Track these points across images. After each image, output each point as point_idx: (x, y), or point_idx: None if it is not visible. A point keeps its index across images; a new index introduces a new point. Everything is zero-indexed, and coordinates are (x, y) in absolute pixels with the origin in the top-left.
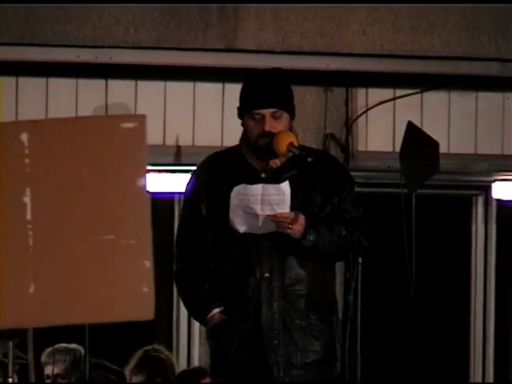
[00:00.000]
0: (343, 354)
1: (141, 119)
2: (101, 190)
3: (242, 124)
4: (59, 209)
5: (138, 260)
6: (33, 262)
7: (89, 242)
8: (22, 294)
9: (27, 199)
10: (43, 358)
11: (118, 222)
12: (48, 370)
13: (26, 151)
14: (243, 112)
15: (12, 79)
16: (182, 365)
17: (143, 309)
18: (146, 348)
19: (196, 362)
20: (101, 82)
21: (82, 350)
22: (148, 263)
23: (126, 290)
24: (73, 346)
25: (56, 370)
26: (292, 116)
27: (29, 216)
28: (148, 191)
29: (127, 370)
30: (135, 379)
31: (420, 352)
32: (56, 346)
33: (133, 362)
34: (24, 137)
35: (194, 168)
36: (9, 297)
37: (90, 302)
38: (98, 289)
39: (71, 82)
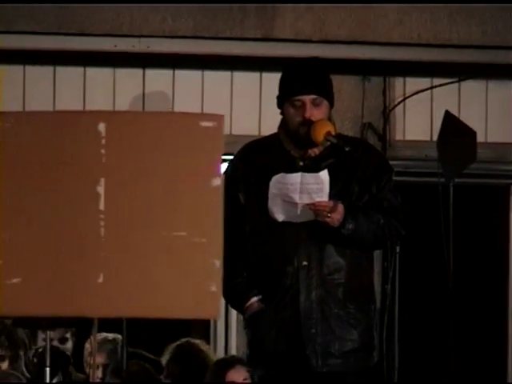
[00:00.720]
0: (381, 343)
1: (219, 119)
2: (175, 185)
3: (281, 112)
4: (133, 201)
5: (207, 259)
6: (103, 253)
7: (160, 237)
8: (91, 284)
9: (101, 189)
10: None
11: (190, 220)
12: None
13: (103, 141)
14: (283, 100)
15: (50, 68)
16: (219, 354)
17: (209, 308)
18: (180, 342)
19: (234, 351)
20: (138, 72)
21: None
22: (218, 263)
23: (194, 287)
24: (112, 335)
25: (99, 360)
26: (331, 104)
27: (102, 206)
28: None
29: (164, 360)
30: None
31: (457, 342)
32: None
33: (167, 354)
34: (102, 127)
35: (232, 157)
36: (78, 285)
37: (158, 297)
38: (167, 284)
39: (109, 71)
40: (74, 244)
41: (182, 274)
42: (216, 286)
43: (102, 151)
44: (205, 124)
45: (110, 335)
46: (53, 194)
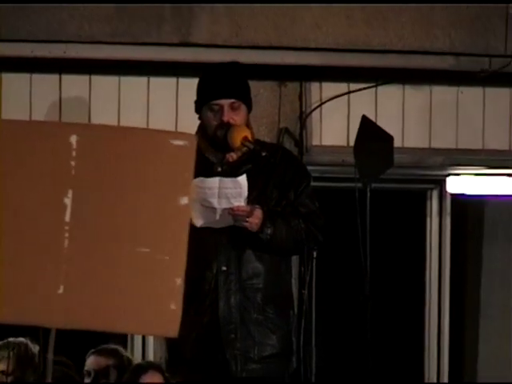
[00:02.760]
0: (298, 348)
1: (191, 138)
2: (143, 202)
3: (199, 117)
4: (99, 214)
5: (169, 276)
6: (65, 264)
7: (124, 252)
8: (51, 294)
9: (68, 201)
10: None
11: (155, 237)
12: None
13: (74, 153)
14: (201, 104)
15: None
16: (137, 359)
17: (168, 325)
18: (100, 348)
19: (151, 357)
20: (55, 77)
21: (29, 344)
22: (179, 281)
23: (155, 304)
24: (19, 339)
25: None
26: (249, 109)
27: (67, 218)
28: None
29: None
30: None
31: (374, 347)
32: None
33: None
34: (73, 139)
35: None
36: (38, 295)
37: (117, 311)
38: (127, 299)
39: (25, 76)
40: (37, 253)
41: (143, 290)
42: (175, 305)
43: (72, 163)
44: (177, 143)
45: (17, 340)
46: (21, 203)
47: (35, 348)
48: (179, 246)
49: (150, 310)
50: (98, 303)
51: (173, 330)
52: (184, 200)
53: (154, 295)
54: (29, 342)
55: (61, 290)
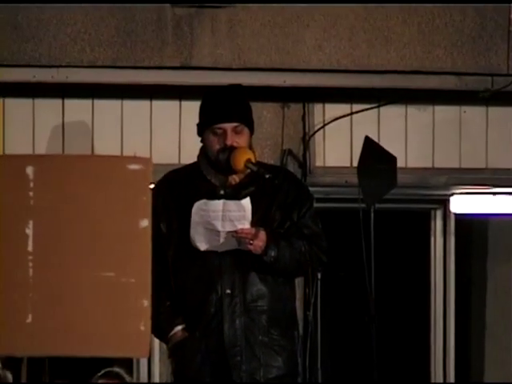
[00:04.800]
0: (304, 369)
1: (146, 162)
2: (103, 227)
3: (202, 140)
4: (61, 242)
5: (136, 299)
6: (32, 293)
7: (89, 278)
8: (19, 324)
9: (29, 231)
10: None
11: (119, 260)
12: None
13: (31, 184)
14: (204, 128)
15: None
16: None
17: (139, 347)
18: (104, 372)
19: (156, 380)
20: (57, 102)
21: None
22: (146, 302)
23: (123, 327)
24: None
25: None
26: (252, 131)
27: (30, 248)
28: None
29: None
30: None
31: (380, 367)
32: None
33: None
34: (29, 170)
35: (152, 186)
36: (6, 325)
37: (87, 336)
38: (96, 323)
39: (28, 102)
40: (2, 284)
41: (111, 314)
42: (144, 325)
43: (30, 193)
44: (132, 167)
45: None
46: None
47: (8, 376)
48: (143, 268)
49: (119, 332)
50: (67, 329)
51: (143, 350)
52: (144, 222)
53: (123, 318)
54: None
55: (29, 319)
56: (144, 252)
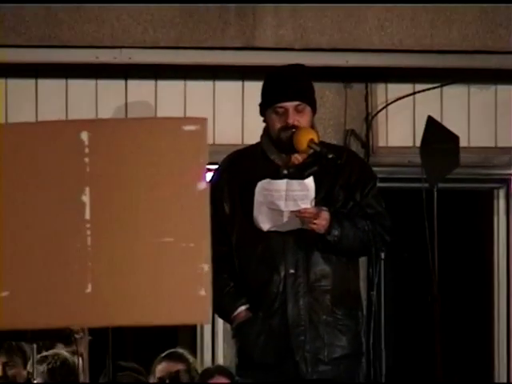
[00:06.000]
0: (368, 349)
1: (202, 122)
2: (161, 191)
3: (264, 120)
4: (118, 209)
5: (196, 263)
6: (91, 262)
7: (148, 244)
8: (80, 294)
9: (86, 198)
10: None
11: (177, 225)
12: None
13: (86, 150)
14: (266, 107)
15: (31, 81)
16: (207, 363)
17: (200, 312)
18: (167, 353)
19: (221, 361)
20: (120, 83)
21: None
22: (206, 267)
23: (184, 293)
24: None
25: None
26: (314, 111)
27: (87, 215)
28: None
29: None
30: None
31: (443, 347)
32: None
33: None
34: (84, 135)
35: (216, 166)
36: (66, 296)
37: (147, 304)
38: (156, 291)
39: (91, 83)
40: (60, 254)
41: (171, 280)
42: (205, 290)
43: (86, 160)
44: (188, 128)
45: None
46: (37, 205)
47: (72, 358)
48: (203, 232)
49: (180, 299)
50: (127, 298)
51: (204, 316)
52: (202, 185)
53: (183, 284)
54: (66, 354)
55: (89, 289)
56: (202, 215)
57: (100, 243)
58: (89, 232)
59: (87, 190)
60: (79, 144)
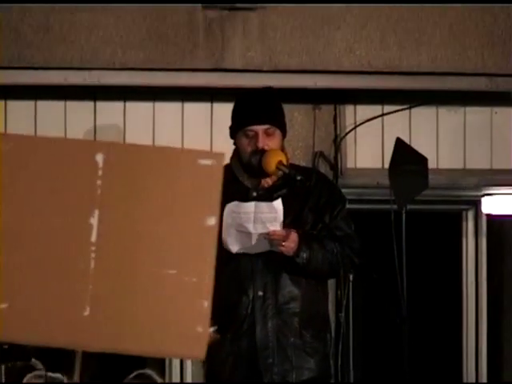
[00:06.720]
0: (336, 371)
1: (219, 157)
2: (169, 222)
3: (234, 143)
4: (125, 235)
5: (196, 299)
6: (92, 285)
7: (150, 273)
8: (77, 316)
9: (94, 221)
10: None
11: (182, 258)
12: None
13: (100, 172)
14: (236, 130)
15: (1, 103)
16: None
17: (195, 348)
18: (136, 374)
19: (189, 381)
20: (89, 104)
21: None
22: (206, 303)
23: (181, 327)
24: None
25: None
26: (284, 134)
27: (94, 238)
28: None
29: None
30: None
31: (412, 370)
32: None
33: None
34: (99, 157)
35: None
36: (64, 316)
37: (143, 334)
38: (154, 321)
39: (60, 104)
40: (63, 273)
41: (170, 313)
42: (203, 327)
43: (98, 182)
44: (204, 162)
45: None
46: (45, 222)
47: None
48: (207, 268)
49: (176, 332)
50: (125, 325)
51: (200, 352)
52: (211, 220)
53: (181, 318)
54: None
55: (87, 312)
56: (209, 251)
57: (103, 267)
58: (93, 255)
59: (96, 212)
60: (93, 165)
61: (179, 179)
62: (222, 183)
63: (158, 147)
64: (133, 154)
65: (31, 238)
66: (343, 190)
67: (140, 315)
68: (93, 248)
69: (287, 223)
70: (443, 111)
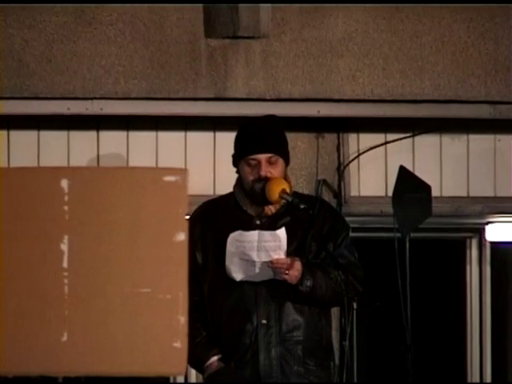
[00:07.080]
0: None
1: (183, 173)
2: (139, 241)
3: (237, 171)
4: (96, 258)
5: (173, 315)
6: (67, 311)
7: (124, 294)
8: (55, 342)
9: (65, 247)
10: None
11: (155, 276)
12: None
13: (66, 198)
14: (238, 158)
15: (3, 133)
16: None
17: (175, 364)
18: None
19: None
20: (92, 134)
21: None
22: (183, 319)
23: (159, 344)
24: None
25: None
26: (287, 162)
27: (65, 264)
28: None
29: None
30: None
31: None
32: None
33: None
34: (64, 183)
35: (188, 217)
36: (41, 344)
37: (123, 355)
38: (131, 342)
39: (62, 134)
40: (37, 302)
41: (147, 331)
42: (181, 343)
43: (65, 208)
44: (168, 178)
45: None
46: (15, 251)
47: None
48: (180, 284)
49: (155, 350)
50: (103, 348)
51: (180, 368)
52: (181, 236)
53: (159, 335)
54: None
55: (65, 338)
56: (180, 267)
57: (77, 292)
58: (66, 281)
59: (66, 238)
60: (59, 191)
61: (145, 198)
62: (187, 198)
63: (121, 168)
64: (97, 177)
65: (3, 268)
66: (347, 218)
67: (117, 336)
68: (65, 274)
69: (291, 251)
70: (446, 139)
